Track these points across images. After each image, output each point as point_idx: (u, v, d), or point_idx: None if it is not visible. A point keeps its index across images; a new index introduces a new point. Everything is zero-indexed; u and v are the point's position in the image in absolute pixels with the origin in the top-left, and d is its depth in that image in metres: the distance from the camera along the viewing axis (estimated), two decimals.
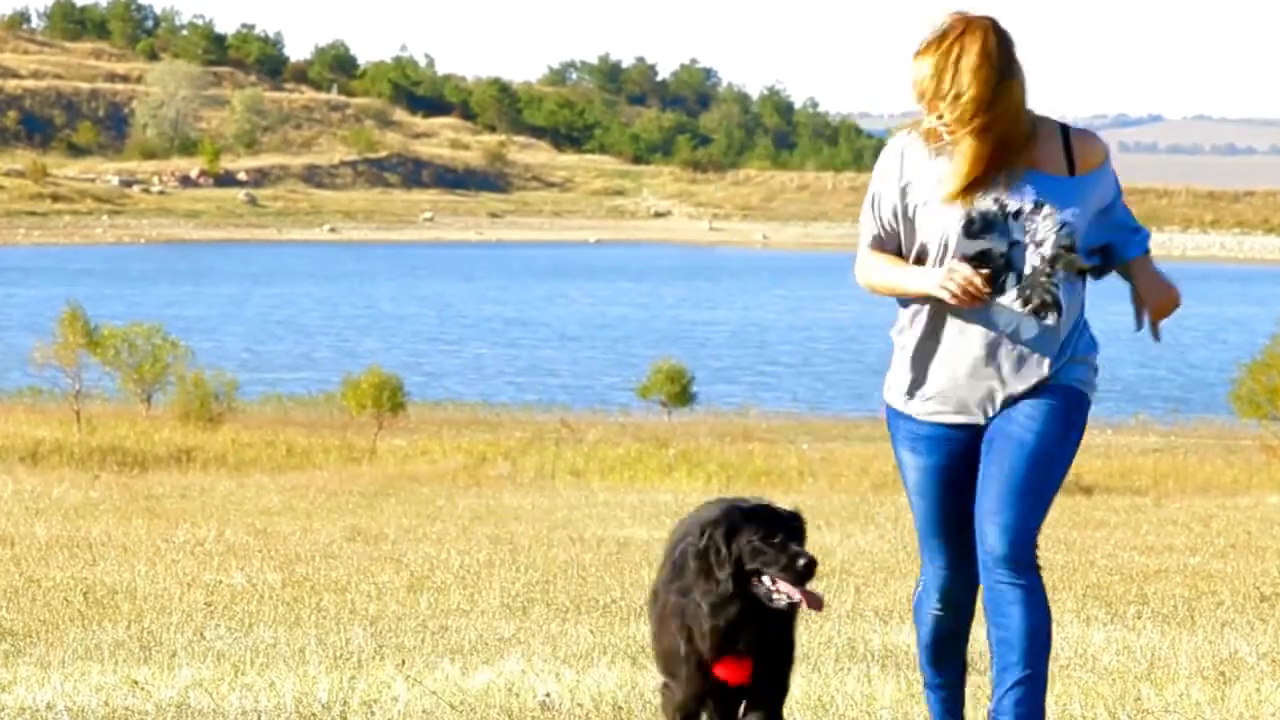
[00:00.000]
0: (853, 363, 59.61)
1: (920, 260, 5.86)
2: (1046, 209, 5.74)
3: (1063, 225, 5.74)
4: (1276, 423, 35.56)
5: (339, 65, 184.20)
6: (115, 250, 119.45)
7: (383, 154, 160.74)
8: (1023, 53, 5.75)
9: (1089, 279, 5.97)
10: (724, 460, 32.55)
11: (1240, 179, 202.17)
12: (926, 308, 5.88)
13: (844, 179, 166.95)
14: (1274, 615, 11.12)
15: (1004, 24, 5.75)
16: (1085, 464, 29.51)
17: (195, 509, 21.20)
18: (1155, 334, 5.98)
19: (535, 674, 7.96)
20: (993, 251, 5.74)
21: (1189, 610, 11.37)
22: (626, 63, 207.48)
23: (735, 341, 67.08)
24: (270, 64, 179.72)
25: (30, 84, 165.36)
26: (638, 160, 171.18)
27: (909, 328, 5.94)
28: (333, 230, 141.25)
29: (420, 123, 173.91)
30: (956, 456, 5.94)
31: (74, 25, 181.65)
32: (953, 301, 5.75)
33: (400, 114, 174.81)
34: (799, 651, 6.16)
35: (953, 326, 5.84)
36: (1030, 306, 5.77)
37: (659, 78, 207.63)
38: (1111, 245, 5.93)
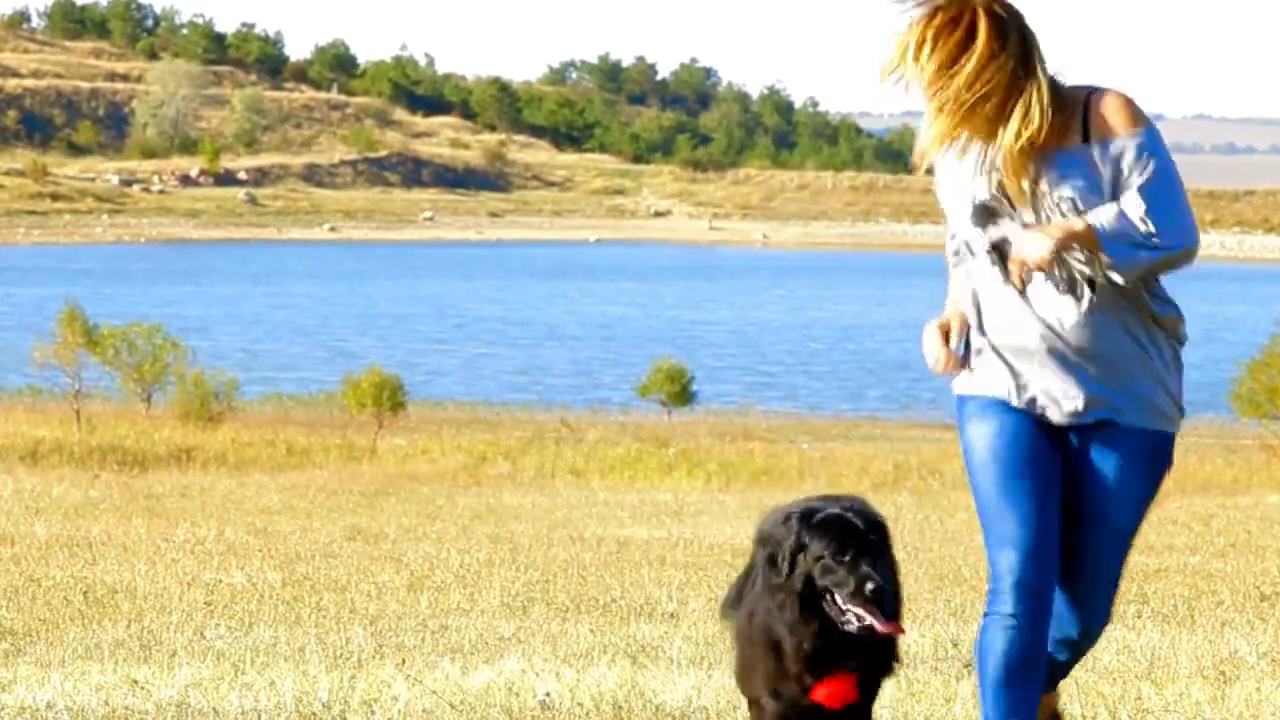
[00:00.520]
0: (852, 363, 59.62)
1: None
2: (1044, 185, 5.28)
3: (1061, 200, 5.28)
4: (1276, 422, 35.55)
5: (339, 64, 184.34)
6: (115, 250, 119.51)
7: (383, 153, 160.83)
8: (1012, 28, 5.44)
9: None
10: (724, 460, 32.55)
11: (1240, 178, 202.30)
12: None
13: (844, 178, 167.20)
14: (1274, 614, 11.11)
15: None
16: None
17: (195, 508, 21.23)
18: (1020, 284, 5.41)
19: (535, 673, 7.96)
20: (1008, 239, 5.34)
21: (1189, 610, 11.37)
22: (626, 62, 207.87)
23: (735, 341, 67.06)
24: (270, 63, 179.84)
25: (30, 83, 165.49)
26: (638, 160, 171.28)
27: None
28: (333, 230, 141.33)
29: (420, 122, 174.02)
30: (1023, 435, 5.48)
31: (74, 25, 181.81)
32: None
33: (400, 113, 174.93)
34: None
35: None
36: (1061, 288, 5.34)
37: (659, 77, 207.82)
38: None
